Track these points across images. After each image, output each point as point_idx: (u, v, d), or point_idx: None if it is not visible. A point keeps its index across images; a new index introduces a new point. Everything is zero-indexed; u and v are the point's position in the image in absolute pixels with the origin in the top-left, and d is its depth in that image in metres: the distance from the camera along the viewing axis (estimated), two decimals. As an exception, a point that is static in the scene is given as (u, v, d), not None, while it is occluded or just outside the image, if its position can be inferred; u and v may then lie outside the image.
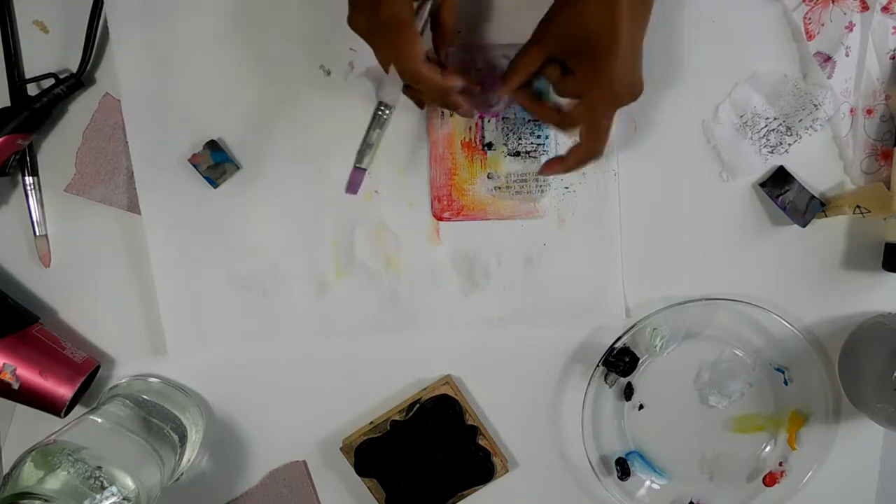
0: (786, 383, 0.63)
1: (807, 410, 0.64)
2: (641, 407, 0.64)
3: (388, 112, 0.52)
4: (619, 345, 0.61)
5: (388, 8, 0.48)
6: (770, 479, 0.64)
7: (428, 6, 0.50)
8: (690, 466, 0.65)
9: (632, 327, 0.61)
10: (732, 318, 0.62)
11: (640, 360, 0.62)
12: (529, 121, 0.59)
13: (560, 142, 0.60)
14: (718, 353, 0.64)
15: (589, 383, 0.62)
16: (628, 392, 0.64)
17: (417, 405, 0.62)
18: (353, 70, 0.58)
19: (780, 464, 0.64)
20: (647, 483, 0.64)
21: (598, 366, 0.61)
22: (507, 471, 0.63)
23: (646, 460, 0.64)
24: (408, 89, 0.53)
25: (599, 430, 0.63)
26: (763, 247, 0.62)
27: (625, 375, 0.62)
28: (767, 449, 0.65)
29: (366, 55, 0.58)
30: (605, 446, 0.64)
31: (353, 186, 0.54)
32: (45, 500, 0.46)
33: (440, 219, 0.61)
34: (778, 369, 0.63)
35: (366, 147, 0.53)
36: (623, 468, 0.63)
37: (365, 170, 0.53)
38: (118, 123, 0.59)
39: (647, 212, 0.61)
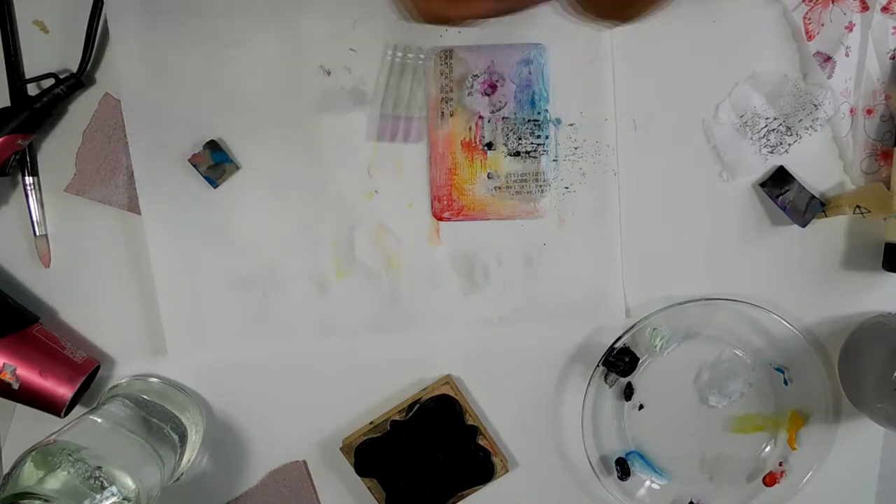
0: (786, 383, 0.63)
1: (807, 410, 0.64)
2: (641, 407, 0.64)
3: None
4: (619, 345, 0.61)
5: None
6: (770, 479, 0.64)
7: None
8: (690, 466, 0.65)
9: (632, 327, 0.61)
10: (732, 318, 0.62)
11: (640, 360, 0.62)
12: (529, 121, 0.59)
13: (560, 142, 0.60)
14: (718, 353, 0.64)
15: (589, 383, 0.62)
16: (628, 392, 0.64)
17: (417, 405, 0.62)
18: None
19: (780, 464, 0.64)
20: (647, 483, 0.64)
21: (598, 366, 0.61)
22: (507, 471, 0.63)
23: (646, 460, 0.64)
24: None
25: (599, 430, 0.63)
26: (763, 247, 0.62)
27: (625, 375, 0.62)
28: (767, 449, 0.65)
29: (364, 56, 0.58)
30: (605, 446, 0.64)
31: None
32: (45, 500, 0.46)
33: (440, 219, 0.61)
34: (778, 369, 0.63)
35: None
36: (623, 468, 0.63)
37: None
38: (118, 123, 0.59)
39: (647, 212, 0.61)
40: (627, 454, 0.64)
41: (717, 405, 0.64)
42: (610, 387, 0.63)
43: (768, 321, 0.62)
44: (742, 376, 0.64)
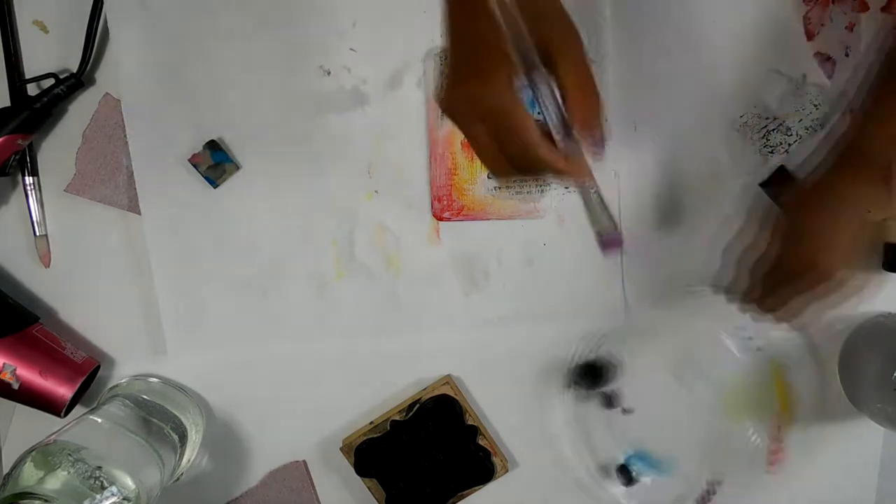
0: (758, 349, 0.62)
1: (791, 380, 0.63)
2: (627, 412, 0.64)
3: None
4: (573, 366, 0.61)
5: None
6: (773, 459, 0.63)
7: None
8: (692, 456, 0.64)
9: (580, 344, 0.61)
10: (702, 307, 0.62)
11: (614, 368, 0.62)
12: (529, 121, 0.59)
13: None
14: (695, 339, 0.63)
15: (564, 403, 0.62)
16: (608, 401, 0.63)
17: (417, 405, 0.62)
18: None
19: (778, 428, 0.63)
20: (651, 481, 0.63)
21: (568, 388, 0.62)
22: (507, 471, 0.63)
23: (646, 460, 0.64)
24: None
25: (593, 441, 0.63)
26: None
27: (594, 388, 0.62)
28: (765, 420, 0.63)
29: (365, 56, 0.58)
30: (601, 455, 0.63)
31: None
32: (45, 500, 0.46)
33: (440, 219, 0.61)
34: (748, 338, 0.62)
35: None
36: (626, 475, 0.63)
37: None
38: (118, 123, 0.59)
39: (646, 212, 0.61)
40: (627, 458, 0.64)
41: (704, 391, 0.63)
42: (587, 400, 0.63)
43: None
44: (721, 357, 0.62)
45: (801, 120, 0.60)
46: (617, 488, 0.63)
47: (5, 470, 0.50)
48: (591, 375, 0.62)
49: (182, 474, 0.61)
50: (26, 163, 0.59)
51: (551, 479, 0.65)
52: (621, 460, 0.64)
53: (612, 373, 0.63)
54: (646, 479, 0.64)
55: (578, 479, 0.64)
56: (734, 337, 0.63)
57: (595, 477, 0.63)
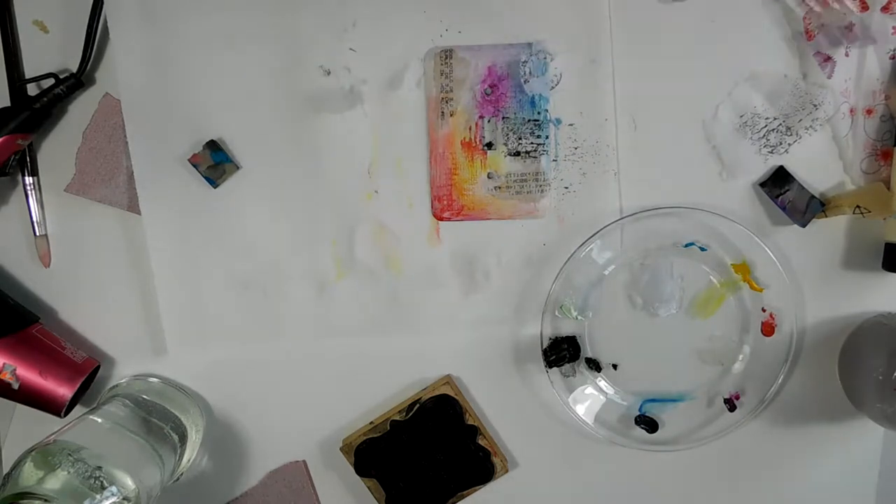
0: (703, 249, 0.61)
1: (739, 260, 0.61)
2: (616, 367, 0.63)
3: None
4: (546, 344, 0.61)
5: None
6: (767, 328, 0.62)
7: None
8: (698, 373, 0.63)
9: (542, 323, 0.61)
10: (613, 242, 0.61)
11: (578, 336, 0.62)
12: (529, 121, 0.59)
13: (560, 142, 0.60)
14: (631, 272, 0.62)
15: (554, 386, 0.61)
16: (593, 365, 0.63)
17: (417, 405, 0.62)
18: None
19: (764, 310, 0.62)
20: (674, 414, 0.63)
21: (546, 372, 0.61)
22: (507, 471, 0.63)
23: (658, 400, 0.63)
24: None
25: (604, 411, 0.63)
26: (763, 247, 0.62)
27: (576, 359, 0.62)
28: (746, 304, 0.62)
29: (365, 56, 0.58)
30: (618, 416, 0.63)
31: None
32: (45, 500, 0.46)
33: (440, 219, 0.61)
34: (687, 245, 0.61)
35: None
36: (647, 423, 0.63)
37: None
38: (118, 123, 0.59)
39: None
40: (640, 408, 0.63)
41: (672, 311, 0.62)
42: (574, 375, 0.62)
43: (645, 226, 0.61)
44: (665, 273, 0.62)
45: (801, 120, 0.59)
46: (647, 437, 0.63)
47: (5, 470, 0.50)
48: (572, 344, 0.62)
49: (182, 474, 0.61)
50: (26, 163, 0.59)
51: (551, 479, 0.65)
52: (636, 412, 0.63)
53: (580, 337, 0.62)
54: (668, 417, 0.63)
55: (578, 472, 0.65)
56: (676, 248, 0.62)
57: (623, 437, 0.62)
